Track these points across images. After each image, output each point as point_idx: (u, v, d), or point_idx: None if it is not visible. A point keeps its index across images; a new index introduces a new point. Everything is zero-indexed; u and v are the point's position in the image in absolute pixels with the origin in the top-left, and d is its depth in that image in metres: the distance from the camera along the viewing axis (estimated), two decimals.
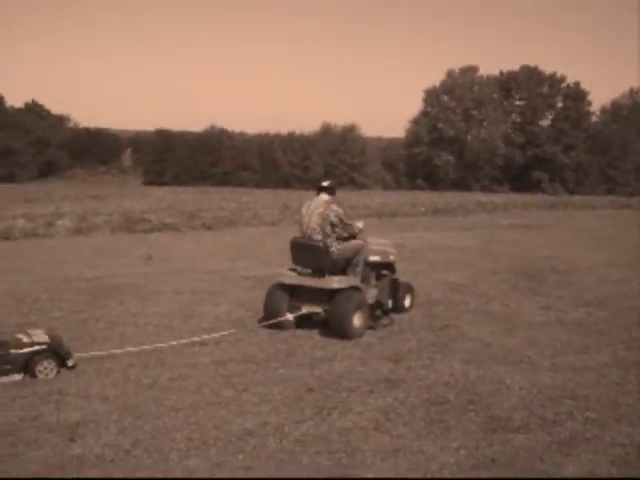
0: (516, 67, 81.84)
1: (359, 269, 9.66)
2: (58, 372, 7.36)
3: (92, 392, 6.71)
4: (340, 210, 9.48)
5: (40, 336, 7.59)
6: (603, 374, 7.44)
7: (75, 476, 4.32)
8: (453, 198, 39.54)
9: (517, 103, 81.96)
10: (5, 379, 7.06)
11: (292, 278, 9.50)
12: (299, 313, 9.39)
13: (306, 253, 9.45)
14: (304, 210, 9.61)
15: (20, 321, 9.47)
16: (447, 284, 12.37)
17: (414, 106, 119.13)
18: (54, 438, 5.57)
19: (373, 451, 5.39)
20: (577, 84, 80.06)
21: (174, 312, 10.12)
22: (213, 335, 8.61)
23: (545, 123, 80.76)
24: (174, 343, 8.20)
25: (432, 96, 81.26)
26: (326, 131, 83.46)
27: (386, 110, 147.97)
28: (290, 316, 9.35)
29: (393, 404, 6.42)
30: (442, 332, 9.14)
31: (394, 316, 9.77)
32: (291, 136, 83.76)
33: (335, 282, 9.13)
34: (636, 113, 77.68)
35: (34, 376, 7.21)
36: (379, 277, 10.20)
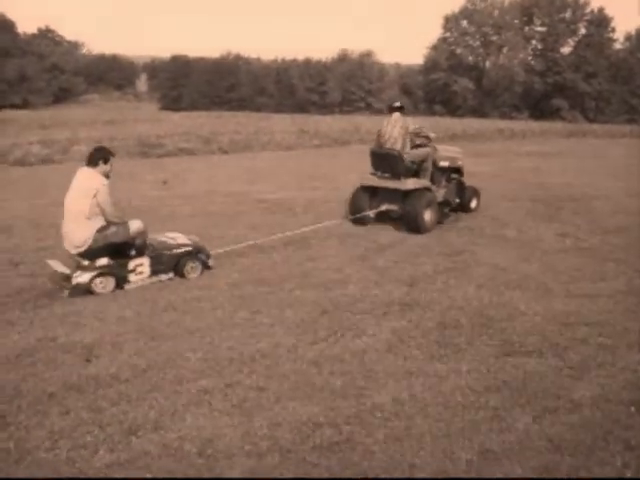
0: None
1: (429, 172, 11.38)
2: (201, 272, 8.28)
3: (108, 314, 6.79)
4: (414, 124, 11.67)
5: (184, 239, 8.40)
6: (617, 301, 7.44)
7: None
8: (471, 124, 39.10)
9: (538, 29, 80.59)
10: (162, 277, 8.10)
11: (372, 181, 11.23)
12: (378, 209, 11.32)
13: (383, 160, 11.12)
14: (385, 127, 11.30)
15: (37, 245, 9.53)
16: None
17: (433, 33, 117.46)
18: (71, 358, 5.65)
19: (386, 373, 5.45)
20: (601, 10, 78.48)
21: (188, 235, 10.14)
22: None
23: (567, 50, 79.51)
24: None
25: (451, 22, 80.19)
26: (343, 57, 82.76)
27: (405, 36, 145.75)
28: (371, 212, 11.28)
29: (407, 327, 6.46)
30: (457, 257, 9.16)
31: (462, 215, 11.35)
32: (308, 62, 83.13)
33: (409, 183, 10.84)
34: None
35: (182, 276, 8.18)
36: (448, 180, 12.05)
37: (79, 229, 7.70)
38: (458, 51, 79.74)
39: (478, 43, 79.79)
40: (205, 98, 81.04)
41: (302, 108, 74.94)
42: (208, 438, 4.47)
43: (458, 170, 12.22)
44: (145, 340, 6.06)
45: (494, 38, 79.11)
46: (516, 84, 75.94)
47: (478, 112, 70.85)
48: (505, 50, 79.07)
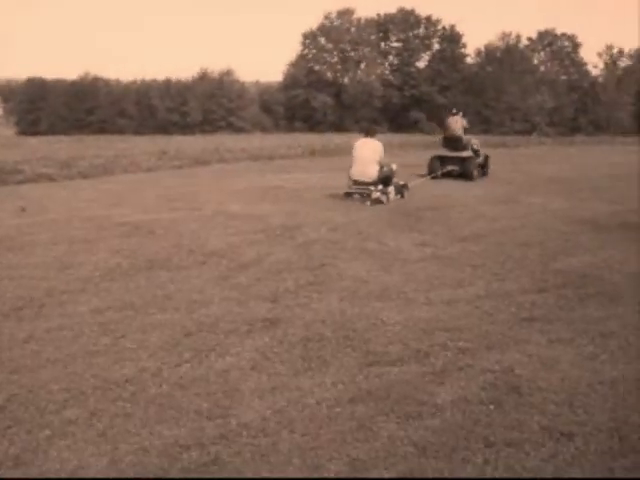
0: (393, 10, 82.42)
1: (471, 149, 20.66)
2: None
3: None
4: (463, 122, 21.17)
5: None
6: (476, 306, 7.70)
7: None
8: (331, 139, 39.57)
9: (394, 44, 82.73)
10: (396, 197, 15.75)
11: (443, 152, 20.79)
12: (446, 169, 20.30)
13: (451, 141, 20.60)
14: (450, 123, 20.94)
15: None
16: (324, 223, 12.45)
17: (292, 50, 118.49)
18: None
19: (251, 390, 5.45)
20: (452, 27, 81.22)
21: (50, 262, 9.86)
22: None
23: (422, 64, 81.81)
24: None
25: (309, 39, 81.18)
26: (203, 76, 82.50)
27: (264, 54, 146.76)
28: (440, 172, 20.08)
29: (271, 343, 6.48)
30: (319, 271, 9.23)
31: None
32: (168, 82, 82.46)
33: (465, 154, 20.39)
34: (509, 55, 79.42)
35: (403, 196, 16.09)
36: (478, 155, 20.97)
37: (372, 169, 15.32)
38: (317, 67, 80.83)
39: (336, 59, 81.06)
40: (64, 121, 79.16)
41: (163, 129, 74.23)
42: (72, 470, 4.37)
43: (479, 153, 21.05)
44: (5, 374, 5.86)
45: (352, 54, 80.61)
46: (375, 98, 77.55)
47: (338, 127, 71.83)
48: (363, 65, 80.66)
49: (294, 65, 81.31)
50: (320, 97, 77.47)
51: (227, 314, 7.36)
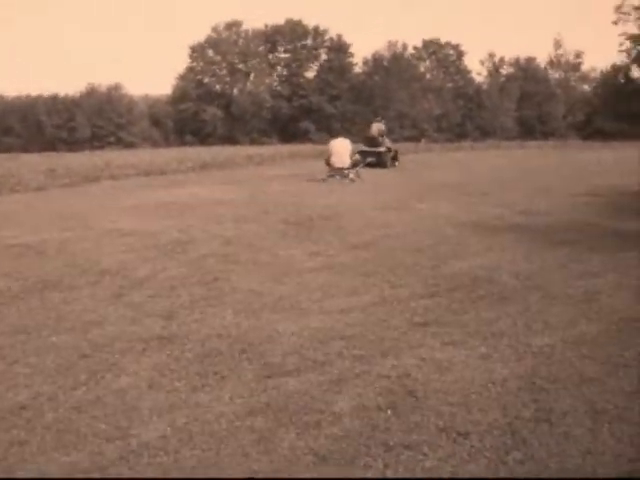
0: (280, 21, 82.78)
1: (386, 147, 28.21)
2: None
3: None
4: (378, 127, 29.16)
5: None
6: (370, 313, 7.80)
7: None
8: (221, 152, 39.40)
9: (282, 55, 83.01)
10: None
11: (365, 148, 27.17)
12: (367, 160, 25.31)
13: (371, 140, 28.17)
14: (372, 129, 28.60)
15: None
16: (217, 237, 12.38)
17: (180, 63, 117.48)
18: None
19: (150, 409, 5.40)
20: (339, 37, 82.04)
21: None
22: None
23: (310, 75, 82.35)
24: None
25: (197, 51, 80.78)
26: (91, 91, 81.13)
27: (152, 68, 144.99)
28: (364, 162, 24.56)
29: (167, 360, 6.43)
30: (213, 285, 9.19)
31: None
32: (55, 98, 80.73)
33: (381, 149, 27.72)
34: (396, 64, 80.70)
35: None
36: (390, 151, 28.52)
37: (347, 158, 22.59)
38: (206, 80, 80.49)
39: (225, 71, 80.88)
40: None
41: (52, 145, 72.53)
42: None
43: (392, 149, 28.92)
44: None
45: (240, 66, 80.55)
46: (264, 109, 77.69)
47: (229, 139, 71.62)
48: (252, 77, 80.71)
49: (183, 78, 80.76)
50: (210, 110, 77.16)
51: (122, 333, 7.27)
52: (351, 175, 22.49)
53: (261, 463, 4.57)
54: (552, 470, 4.45)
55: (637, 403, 5.36)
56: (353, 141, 25.23)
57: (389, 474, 4.43)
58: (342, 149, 23.08)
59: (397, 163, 28.79)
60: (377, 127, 28.48)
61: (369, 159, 26.11)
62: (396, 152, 29.31)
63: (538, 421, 5.07)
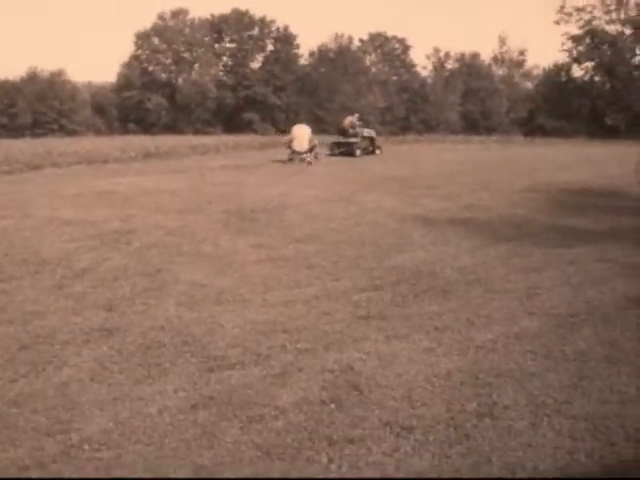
0: (227, 10, 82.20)
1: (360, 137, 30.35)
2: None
3: None
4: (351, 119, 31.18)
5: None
6: (313, 306, 7.81)
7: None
8: (165, 142, 39.04)
9: (228, 45, 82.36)
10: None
11: (338, 139, 30.44)
12: (340, 150, 29.48)
13: (343, 133, 30.38)
14: (345, 122, 30.50)
15: None
16: (159, 228, 12.25)
17: (125, 50, 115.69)
18: None
19: (91, 403, 5.33)
20: (286, 28, 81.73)
21: None
22: None
23: (256, 65, 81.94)
24: None
25: (143, 39, 79.77)
26: (33, 76, 79.64)
27: (96, 54, 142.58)
28: (337, 151, 29.54)
29: (109, 353, 6.36)
30: (156, 276, 9.11)
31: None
32: None
33: (351, 140, 29.74)
34: (341, 57, 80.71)
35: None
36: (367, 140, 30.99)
37: (306, 143, 25.96)
38: (150, 68, 79.53)
39: (170, 60, 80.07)
40: None
41: None
42: None
43: (372, 138, 31.31)
44: None
45: (186, 55, 79.78)
46: (209, 99, 77.06)
47: (173, 129, 70.92)
48: (197, 66, 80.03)
49: (127, 66, 79.59)
50: (154, 98, 76.19)
51: (63, 324, 7.16)
52: (308, 158, 25.61)
53: (204, 458, 4.55)
54: (494, 465, 4.49)
55: (576, 397, 5.43)
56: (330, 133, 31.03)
57: (333, 468, 4.43)
58: (302, 135, 26.65)
59: (378, 152, 31.25)
60: (349, 120, 30.47)
61: (342, 149, 29.71)
62: (373, 141, 31.61)
63: (481, 415, 5.12)
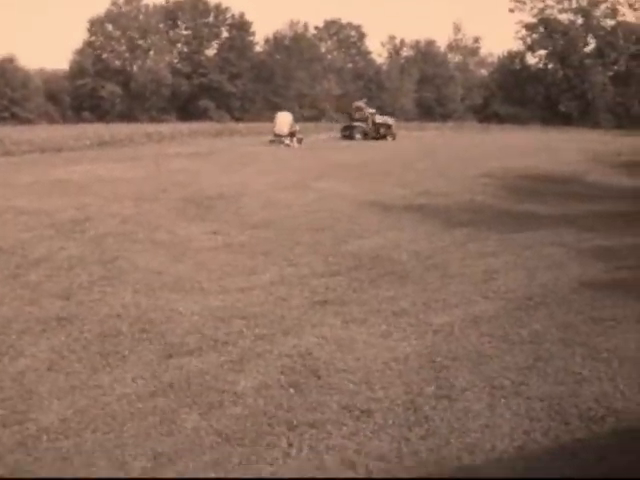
0: None
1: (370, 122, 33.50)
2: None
3: None
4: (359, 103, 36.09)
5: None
6: (270, 292, 7.84)
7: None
8: (120, 130, 38.67)
9: (183, 32, 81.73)
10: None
11: (348, 123, 34.52)
12: (346, 132, 33.01)
13: (350, 118, 34.48)
14: (356, 104, 35.08)
15: None
16: (114, 216, 12.10)
17: (78, 36, 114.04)
18: None
19: (49, 392, 5.31)
20: (242, 15, 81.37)
21: None
22: None
23: (211, 52, 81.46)
24: None
25: (97, 26, 78.79)
26: None
27: (49, 40, 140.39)
28: (346, 133, 33.34)
29: (67, 341, 6.32)
30: (112, 264, 9.04)
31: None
32: None
33: (355, 124, 33.01)
34: (297, 44, 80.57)
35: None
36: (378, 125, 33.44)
37: (286, 128, 29.27)
38: (104, 55, 78.65)
39: (124, 47, 79.28)
40: None
41: None
42: None
43: (388, 125, 33.72)
44: None
45: (140, 42, 79.02)
46: (164, 87, 76.46)
47: (127, 117, 70.23)
48: (152, 53, 79.34)
49: (81, 53, 78.57)
50: (108, 86, 75.35)
51: (19, 314, 7.09)
52: (286, 141, 28.58)
53: (164, 445, 4.54)
54: (453, 446, 4.54)
55: (532, 378, 5.51)
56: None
57: (293, 453, 4.45)
58: (283, 120, 30.33)
59: (390, 138, 32.92)
60: (355, 105, 34.31)
61: (347, 132, 32.97)
62: (389, 127, 33.78)
63: (439, 397, 5.18)
